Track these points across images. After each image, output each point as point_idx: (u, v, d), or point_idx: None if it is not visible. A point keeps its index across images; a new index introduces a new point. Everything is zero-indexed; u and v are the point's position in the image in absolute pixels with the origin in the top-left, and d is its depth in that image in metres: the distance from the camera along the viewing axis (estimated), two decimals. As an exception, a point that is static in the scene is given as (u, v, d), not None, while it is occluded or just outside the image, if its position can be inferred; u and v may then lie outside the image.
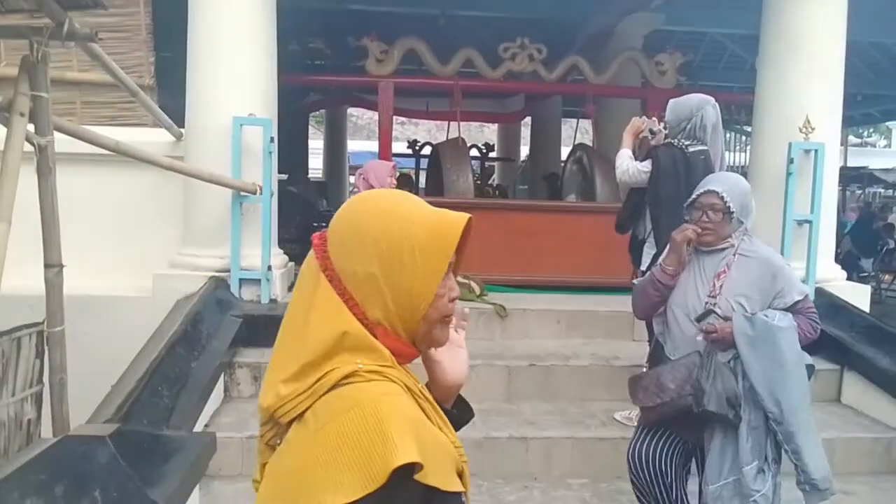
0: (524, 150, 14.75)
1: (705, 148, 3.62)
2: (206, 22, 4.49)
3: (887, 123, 22.20)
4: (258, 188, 4.43)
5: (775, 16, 5.01)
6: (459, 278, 4.54)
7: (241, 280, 4.49)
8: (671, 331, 2.71)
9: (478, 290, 4.89)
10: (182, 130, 4.66)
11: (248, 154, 4.43)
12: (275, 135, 4.54)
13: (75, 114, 4.90)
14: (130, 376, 3.12)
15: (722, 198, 2.57)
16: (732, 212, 2.56)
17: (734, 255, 2.62)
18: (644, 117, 3.93)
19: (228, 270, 4.47)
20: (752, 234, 2.74)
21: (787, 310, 2.58)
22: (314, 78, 7.69)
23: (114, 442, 2.46)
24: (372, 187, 4.68)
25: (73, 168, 4.27)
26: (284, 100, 5.11)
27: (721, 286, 2.59)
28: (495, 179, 13.93)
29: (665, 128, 3.74)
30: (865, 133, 28.56)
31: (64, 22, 2.71)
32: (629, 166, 3.77)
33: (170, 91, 5.05)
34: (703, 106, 3.58)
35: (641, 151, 3.88)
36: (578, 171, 6.77)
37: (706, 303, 2.59)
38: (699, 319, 2.56)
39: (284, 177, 7.38)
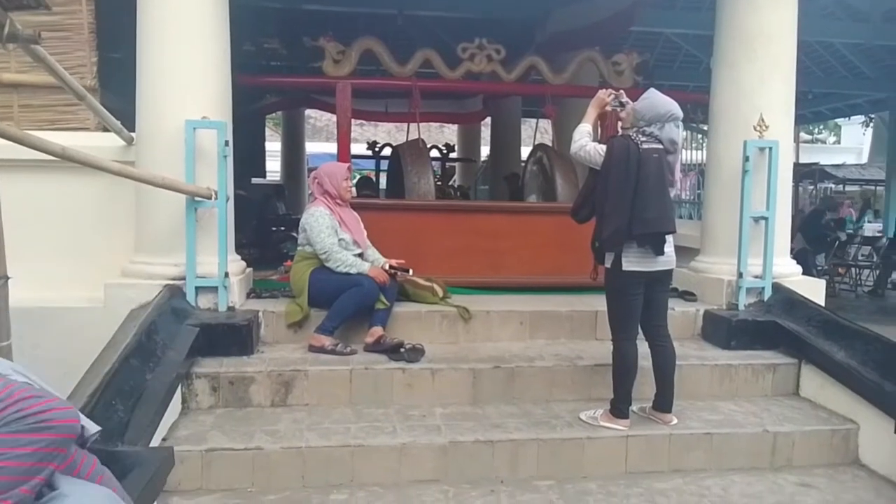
0: (485, 151, 14.80)
1: (660, 147, 3.65)
2: (156, 21, 4.36)
3: (836, 120, 22.84)
4: (213, 193, 4.32)
5: (730, 17, 5.09)
6: (422, 280, 4.51)
7: (197, 288, 4.37)
8: None
9: (441, 293, 4.85)
10: (133, 135, 4.53)
11: (203, 158, 4.31)
12: (230, 138, 4.44)
13: (12, 117, 4.72)
14: (83, 390, 3.00)
15: None
16: None
17: None
18: (610, 90, 3.92)
19: (184, 278, 4.35)
20: None
21: None
22: (270, 79, 7.55)
23: (64, 461, 2.36)
24: (327, 192, 4.59)
25: (17, 175, 4.14)
26: (240, 102, 5.00)
27: None
28: (456, 180, 13.96)
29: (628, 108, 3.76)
30: (816, 130, 29.36)
31: (4, 24, 2.60)
32: (587, 143, 3.77)
33: (117, 93, 4.90)
34: (677, 119, 3.67)
35: (607, 127, 3.86)
36: (539, 172, 6.78)
37: None
38: None
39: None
